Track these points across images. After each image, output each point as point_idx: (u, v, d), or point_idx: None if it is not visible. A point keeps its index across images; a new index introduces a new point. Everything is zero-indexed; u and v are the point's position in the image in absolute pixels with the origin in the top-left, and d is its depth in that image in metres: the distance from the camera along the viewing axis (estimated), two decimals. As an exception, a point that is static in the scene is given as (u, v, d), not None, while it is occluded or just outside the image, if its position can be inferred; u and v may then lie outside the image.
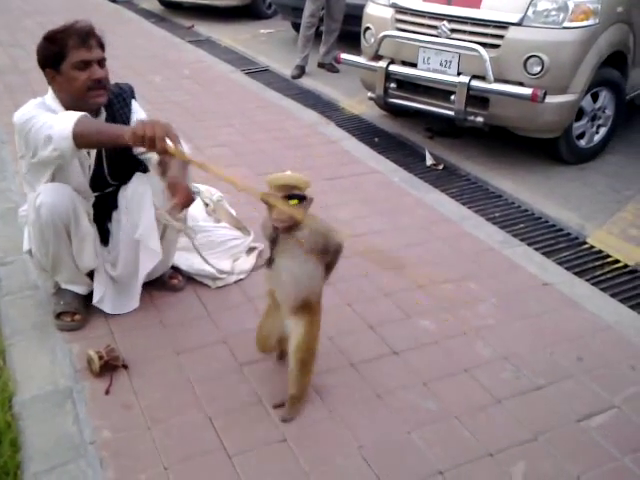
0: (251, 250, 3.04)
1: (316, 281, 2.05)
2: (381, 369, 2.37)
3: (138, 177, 2.54)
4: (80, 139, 2.18)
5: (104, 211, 2.58)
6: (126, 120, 2.54)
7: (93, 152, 2.47)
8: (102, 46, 2.41)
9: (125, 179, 2.55)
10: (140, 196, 2.49)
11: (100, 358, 2.25)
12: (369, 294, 2.81)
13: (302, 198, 1.89)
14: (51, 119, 2.24)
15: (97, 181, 2.52)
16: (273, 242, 2.00)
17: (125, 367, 2.31)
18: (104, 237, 2.62)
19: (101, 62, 2.38)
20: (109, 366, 2.26)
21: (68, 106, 2.36)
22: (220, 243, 2.95)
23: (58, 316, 2.51)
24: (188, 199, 2.33)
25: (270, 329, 2.19)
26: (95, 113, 2.43)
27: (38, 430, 2.04)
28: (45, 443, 1.99)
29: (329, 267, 2.10)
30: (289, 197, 1.87)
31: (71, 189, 2.39)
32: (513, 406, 2.22)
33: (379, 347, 2.48)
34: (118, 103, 2.55)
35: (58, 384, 2.23)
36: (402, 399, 2.23)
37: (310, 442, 2.04)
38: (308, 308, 2.05)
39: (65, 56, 2.32)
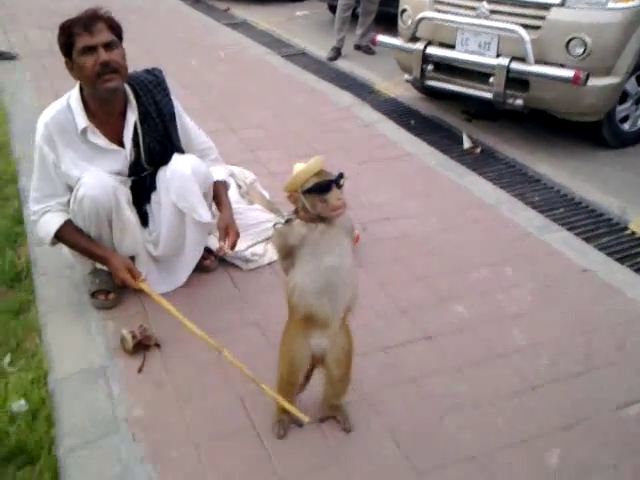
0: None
1: (357, 286, 1.85)
2: (413, 354, 2.34)
3: (176, 158, 2.52)
4: (63, 242, 2.47)
5: (142, 194, 2.59)
6: (169, 112, 2.52)
7: (129, 144, 2.46)
8: (113, 28, 2.34)
9: (161, 164, 2.54)
10: (181, 176, 2.46)
11: (133, 337, 2.27)
12: (402, 278, 2.78)
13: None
14: (39, 207, 2.42)
15: (134, 167, 2.52)
16: (294, 248, 1.74)
17: (158, 346, 2.32)
18: (144, 219, 2.62)
19: (109, 45, 2.30)
20: (142, 345, 2.28)
21: (93, 100, 2.36)
22: (252, 225, 2.94)
23: (93, 295, 2.54)
24: (236, 240, 2.54)
25: (303, 356, 1.88)
26: (123, 105, 2.43)
27: (72, 406, 2.07)
28: (79, 419, 2.02)
29: None
30: (339, 178, 1.72)
31: (113, 179, 2.41)
32: (548, 393, 2.17)
33: (411, 332, 2.45)
34: (160, 91, 2.51)
35: (92, 362, 2.25)
36: (434, 384, 2.20)
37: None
38: (348, 312, 1.87)
39: (73, 44, 2.28)
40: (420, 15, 4.44)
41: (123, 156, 2.47)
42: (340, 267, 1.74)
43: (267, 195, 3.25)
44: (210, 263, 2.78)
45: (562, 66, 3.92)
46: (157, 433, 1.97)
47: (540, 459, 1.92)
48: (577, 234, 3.25)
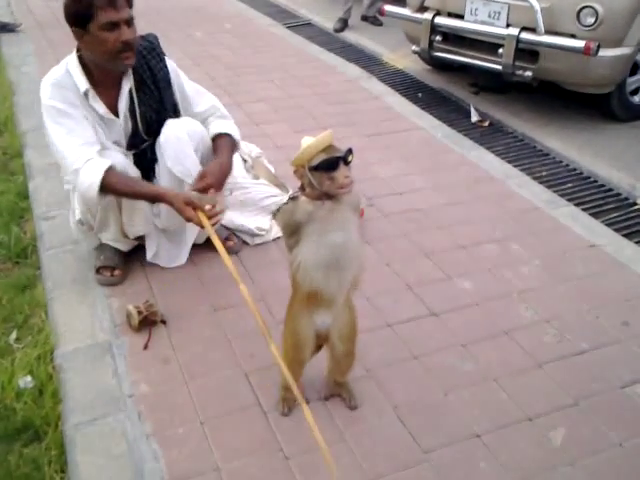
0: (290, 207, 3.00)
1: (363, 259, 1.83)
2: (419, 330, 2.34)
3: (169, 122, 2.46)
4: (109, 192, 2.28)
5: (145, 167, 2.55)
6: (164, 78, 2.46)
7: (122, 113, 2.41)
8: (130, 4, 2.30)
9: (159, 133, 2.48)
10: (175, 139, 2.41)
11: (139, 313, 2.27)
12: (408, 254, 2.77)
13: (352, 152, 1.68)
14: (77, 156, 2.25)
15: (132, 139, 2.49)
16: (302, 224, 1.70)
17: (163, 322, 2.33)
18: None
19: (129, 21, 2.26)
20: (148, 321, 2.28)
21: (94, 69, 2.32)
22: (259, 200, 2.93)
23: (98, 270, 2.53)
24: (210, 186, 2.30)
25: (308, 333, 1.87)
26: (120, 73, 2.38)
27: (78, 383, 2.08)
28: (85, 395, 2.03)
29: None
30: (347, 154, 1.67)
31: (124, 158, 2.40)
32: (554, 370, 2.17)
33: (417, 308, 2.45)
34: (153, 57, 2.45)
35: (98, 338, 2.26)
36: (439, 360, 2.20)
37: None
38: (352, 288, 1.85)
39: (92, 16, 2.19)
40: (428, -16, 4.36)
41: (118, 126, 2.43)
42: (346, 244, 1.71)
43: (272, 169, 3.23)
44: (233, 245, 2.73)
45: (573, 36, 3.85)
46: (163, 410, 1.98)
47: (545, 437, 1.92)
48: (585, 209, 3.22)
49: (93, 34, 2.22)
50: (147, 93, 2.44)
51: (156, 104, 2.46)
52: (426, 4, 4.47)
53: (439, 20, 4.41)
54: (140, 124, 2.45)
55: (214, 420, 1.96)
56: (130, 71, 2.39)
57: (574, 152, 3.92)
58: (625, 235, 3.01)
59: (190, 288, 2.53)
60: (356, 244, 1.75)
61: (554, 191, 3.36)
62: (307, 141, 1.68)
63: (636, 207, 3.34)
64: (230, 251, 2.70)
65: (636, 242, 2.95)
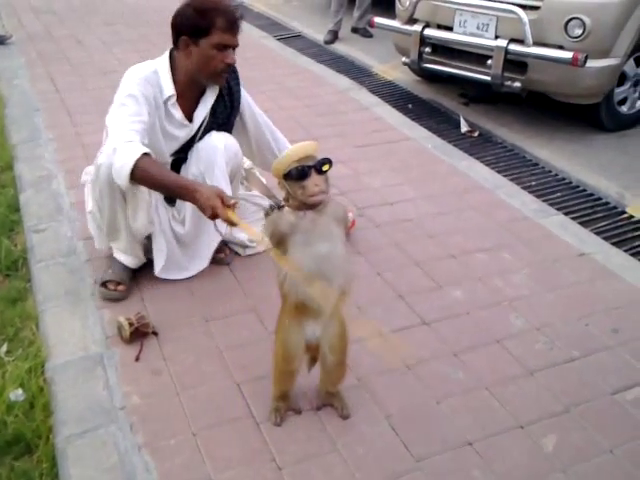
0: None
1: (351, 270, 1.82)
2: (410, 339, 2.34)
3: (212, 133, 2.56)
4: (138, 181, 2.22)
5: (178, 168, 2.58)
6: (237, 99, 2.61)
7: (198, 122, 2.51)
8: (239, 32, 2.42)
9: None
10: (212, 148, 2.50)
11: (130, 325, 2.26)
12: (399, 263, 2.78)
13: (330, 162, 1.70)
14: (124, 135, 2.23)
15: (184, 145, 2.56)
16: (287, 236, 1.70)
17: (155, 334, 2.32)
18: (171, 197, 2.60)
19: (235, 48, 2.41)
20: (139, 333, 2.28)
21: (183, 77, 2.41)
22: (253, 212, 2.93)
23: (103, 283, 2.51)
24: None
25: (296, 345, 1.86)
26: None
27: (70, 395, 2.07)
28: (76, 408, 2.02)
29: None
30: (321, 164, 1.68)
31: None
32: (545, 378, 2.18)
33: (409, 317, 2.45)
34: (234, 79, 2.60)
35: (89, 350, 2.25)
36: (431, 369, 2.20)
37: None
38: (340, 301, 1.83)
39: (209, 33, 2.31)
40: (417, -3, 4.40)
41: (186, 132, 2.51)
42: (331, 255, 1.71)
43: (264, 181, 3.23)
44: (225, 256, 2.74)
45: (561, 48, 3.90)
46: (154, 421, 1.97)
47: (537, 444, 1.93)
48: (574, 218, 3.25)
49: (202, 48, 2.34)
50: (220, 110, 2.56)
51: (222, 121, 2.59)
52: (415, 16, 4.51)
53: (428, 32, 4.45)
54: (200, 134, 2.54)
55: (206, 431, 1.95)
56: (216, 86, 2.51)
57: (563, 162, 3.95)
58: (614, 243, 3.03)
59: (181, 299, 2.53)
60: (341, 255, 1.75)
61: (543, 200, 3.39)
62: (301, 145, 1.71)
63: (625, 216, 3.37)
64: (221, 262, 2.72)
65: (625, 250, 2.97)
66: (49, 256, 2.74)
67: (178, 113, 2.47)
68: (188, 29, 2.34)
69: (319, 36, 6.40)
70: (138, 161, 2.17)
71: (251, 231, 2.05)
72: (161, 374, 2.16)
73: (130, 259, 2.56)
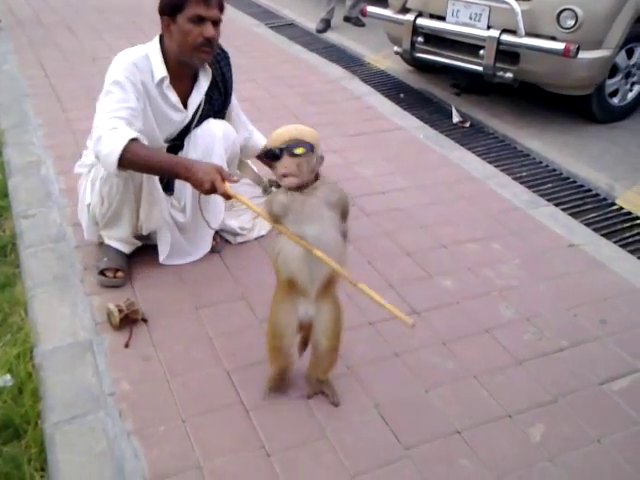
0: (272, 207, 3.00)
1: (344, 253, 1.81)
2: (400, 328, 2.31)
3: (210, 120, 2.56)
4: (127, 166, 2.20)
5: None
6: (231, 86, 2.62)
7: (193, 108, 2.50)
8: (222, 8, 2.38)
9: None
10: (210, 135, 2.50)
11: (120, 312, 2.25)
12: (390, 252, 2.78)
13: (310, 147, 1.71)
14: (107, 123, 2.20)
15: (180, 132, 2.54)
16: (286, 213, 1.73)
17: (145, 321, 2.31)
18: (168, 185, 2.60)
19: (216, 22, 2.36)
20: (129, 320, 2.27)
21: (173, 59, 2.38)
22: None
23: (101, 272, 2.50)
24: None
25: (288, 321, 1.89)
26: (198, 69, 2.47)
27: (58, 381, 2.06)
28: (65, 394, 2.01)
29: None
30: (293, 147, 1.69)
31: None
32: (534, 368, 2.19)
33: (399, 306, 2.43)
34: (226, 66, 2.60)
35: (78, 336, 2.24)
36: (421, 358, 2.21)
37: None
38: (332, 283, 1.86)
39: (183, 7, 2.29)
40: (411, -14, 4.39)
41: (181, 118, 2.49)
42: (320, 237, 1.72)
43: (255, 169, 3.22)
44: (216, 244, 2.74)
45: (553, 38, 3.90)
46: (144, 408, 1.97)
47: (525, 433, 1.94)
48: (564, 209, 3.26)
49: (179, 24, 2.32)
50: (214, 96, 2.55)
51: (218, 107, 2.59)
52: (408, 5, 4.50)
53: (421, 21, 4.44)
54: (197, 120, 2.53)
55: (195, 418, 1.95)
56: (210, 70, 2.49)
57: (554, 153, 3.97)
58: (604, 235, 3.04)
59: (172, 286, 2.52)
60: (331, 239, 1.75)
61: (534, 191, 3.40)
62: (295, 127, 1.74)
63: (615, 207, 3.39)
64: (213, 250, 2.71)
65: (615, 242, 2.99)
66: (38, 242, 2.72)
67: (173, 96, 2.44)
68: (166, 8, 2.34)
69: (311, 25, 6.38)
70: (127, 146, 2.15)
71: (250, 205, 2.00)
72: (151, 361, 2.15)
73: (123, 245, 2.55)
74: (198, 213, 2.54)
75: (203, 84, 2.51)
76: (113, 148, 2.15)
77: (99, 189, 2.40)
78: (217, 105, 2.59)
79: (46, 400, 1.99)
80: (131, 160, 2.17)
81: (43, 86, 4.36)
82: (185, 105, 2.50)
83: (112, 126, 2.20)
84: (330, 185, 1.78)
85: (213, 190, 2.08)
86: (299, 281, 1.79)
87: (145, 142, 2.26)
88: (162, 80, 2.39)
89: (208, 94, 2.53)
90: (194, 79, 2.50)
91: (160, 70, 2.38)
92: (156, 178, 2.44)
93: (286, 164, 1.70)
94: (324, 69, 5.02)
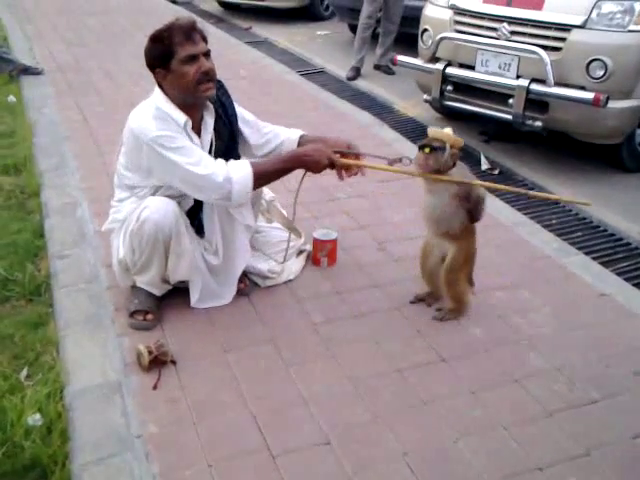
0: (300, 252, 3.03)
1: (455, 222, 2.47)
2: (428, 376, 2.33)
3: (231, 162, 2.55)
4: (257, 186, 2.43)
5: (197, 201, 2.59)
6: (233, 113, 2.62)
7: (206, 148, 2.51)
8: (205, 39, 2.43)
9: None
10: None
11: (150, 353, 2.28)
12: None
13: (436, 148, 2.34)
14: (215, 167, 2.33)
15: None
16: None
17: (173, 363, 2.33)
18: (199, 228, 2.64)
19: (207, 54, 2.40)
20: (158, 361, 2.29)
21: (179, 103, 2.41)
22: (272, 244, 2.96)
23: (132, 314, 2.53)
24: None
25: (426, 249, 2.66)
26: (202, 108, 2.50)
27: (87, 421, 2.08)
28: (93, 435, 2.02)
29: (471, 213, 2.49)
30: (422, 146, 2.37)
31: (176, 205, 2.45)
32: (565, 419, 2.15)
33: (427, 353, 2.44)
34: (223, 95, 2.61)
35: (108, 377, 2.27)
36: (449, 407, 2.19)
37: (354, 446, 2.02)
38: (454, 237, 2.51)
39: (173, 53, 2.33)
40: (441, 35, 4.48)
41: None
42: (435, 206, 2.48)
43: (285, 213, 3.26)
44: (244, 287, 2.76)
45: (582, 88, 3.92)
46: (170, 451, 1.98)
47: (555, 487, 1.90)
48: (595, 258, 3.23)
49: (175, 70, 2.35)
50: (221, 128, 2.57)
51: (227, 138, 2.60)
52: (438, 55, 4.58)
53: (450, 70, 4.50)
54: (213, 157, 2.53)
55: (222, 463, 1.95)
56: (212, 107, 2.52)
57: (584, 201, 3.94)
58: (635, 285, 3.01)
59: (201, 329, 2.54)
60: (443, 209, 2.45)
61: (564, 239, 3.38)
62: (442, 131, 2.43)
63: (646, 257, 3.35)
64: (241, 293, 2.73)
65: (646, 292, 2.95)
66: (72, 282, 2.77)
67: (196, 139, 2.47)
68: (156, 60, 2.37)
69: (342, 72, 6.50)
70: (252, 171, 2.37)
71: (372, 166, 2.58)
72: (178, 403, 2.16)
73: (154, 289, 2.59)
74: (230, 255, 2.58)
75: (209, 122, 2.52)
76: (243, 178, 2.36)
77: (130, 241, 2.44)
78: (226, 136, 2.59)
79: (74, 440, 2.01)
80: (259, 179, 2.40)
81: (81, 130, 4.50)
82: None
83: (223, 164, 2.37)
84: (461, 171, 2.44)
85: (332, 164, 2.44)
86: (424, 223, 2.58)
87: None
88: (186, 123, 2.41)
89: (215, 129, 2.55)
90: (200, 119, 2.52)
91: (180, 115, 2.40)
92: (184, 234, 2.47)
93: (419, 156, 2.40)
94: (354, 116, 5.10)
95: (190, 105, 2.44)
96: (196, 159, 2.33)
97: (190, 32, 2.36)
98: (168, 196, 2.45)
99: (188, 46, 2.34)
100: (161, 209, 2.38)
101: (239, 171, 2.36)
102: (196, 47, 2.35)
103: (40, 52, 6.53)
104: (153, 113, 2.38)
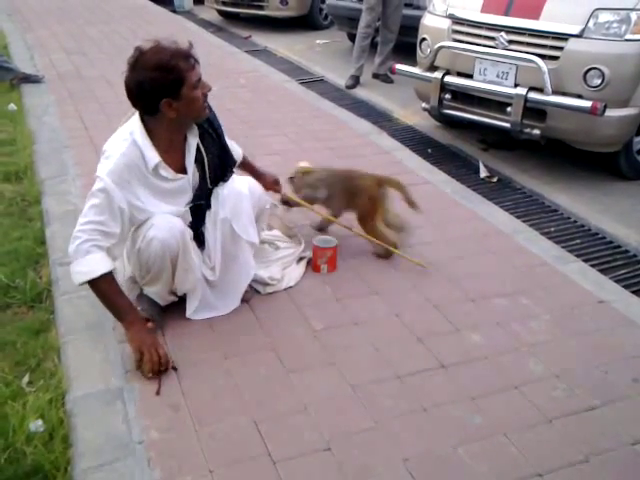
0: (301, 259, 3.04)
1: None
2: (428, 382, 2.34)
3: (235, 178, 2.65)
4: (92, 289, 2.37)
5: (200, 215, 2.62)
6: (218, 125, 2.61)
7: (191, 168, 2.50)
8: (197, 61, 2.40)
9: (220, 179, 2.61)
10: (237, 194, 2.58)
11: (151, 360, 2.28)
12: (418, 305, 2.79)
13: (292, 178, 3.12)
14: (87, 237, 2.29)
15: (198, 190, 2.56)
16: None
17: (174, 369, 2.34)
18: (199, 241, 2.65)
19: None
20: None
21: (164, 137, 2.37)
22: (272, 252, 2.97)
23: None
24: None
25: None
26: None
27: (89, 427, 2.08)
28: (95, 441, 2.03)
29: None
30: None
31: (182, 222, 2.46)
32: (564, 426, 2.16)
33: (427, 360, 2.45)
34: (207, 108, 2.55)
35: (109, 383, 2.27)
36: (449, 413, 2.20)
37: (354, 452, 2.03)
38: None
39: (184, 80, 2.27)
40: (439, 44, 4.51)
41: (186, 182, 2.50)
42: None
43: (284, 220, 3.28)
44: (245, 293, 2.76)
45: (580, 97, 3.95)
46: (172, 457, 1.98)
47: (555, 492, 1.91)
48: (593, 265, 3.25)
49: (185, 97, 2.30)
50: (209, 142, 2.56)
51: (218, 150, 2.59)
52: (436, 63, 4.61)
53: (449, 79, 4.53)
54: (208, 173, 2.55)
55: (222, 469, 1.95)
56: (194, 126, 2.48)
57: (582, 209, 3.97)
58: (634, 292, 3.02)
59: (201, 336, 2.55)
60: None
61: (562, 247, 3.40)
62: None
63: (644, 264, 3.37)
64: (242, 300, 2.74)
65: (645, 299, 2.96)
66: (73, 289, 2.77)
67: (169, 173, 2.42)
68: (165, 90, 2.27)
69: (341, 81, 6.54)
70: (99, 278, 2.29)
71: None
72: (179, 409, 2.17)
73: (159, 299, 2.60)
74: (227, 272, 2.61)
75: (192, 142, 2.48)
76: (89, 270, 2.29)
77: (137, 258, 2.45)
78: (216, 149, 2.58)
79: (76, 446, 2.02)
80: (94, 288, 2.35)
81: (82, 137, 4.52)
82: (184, 170, 2.49)
83: (93, 244, 2.29)
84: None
85: (141, 356, 2.30)
86: None
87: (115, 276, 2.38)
88: (157, 166, 2.37)
89: (204, 145, 2.53)
90: (185, 140, 2.49)
91: (152, 156, 2.35)
92: (191, 249, 2.49)
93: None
94: (353, 124, 5.13)
95: (179, 132, 2.42)
96: (91, 218, 2.30)
97: (190, 56, 2.33)
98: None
99: (194, 71, 2.31)
100: (167, 227, 2.38)
101: (91, 263, 2.29)
102: (198, 70, 2.34)
103: (41, 61, 6.56)
104: (127, 156, 2.31)
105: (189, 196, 2.55)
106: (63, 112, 5.05)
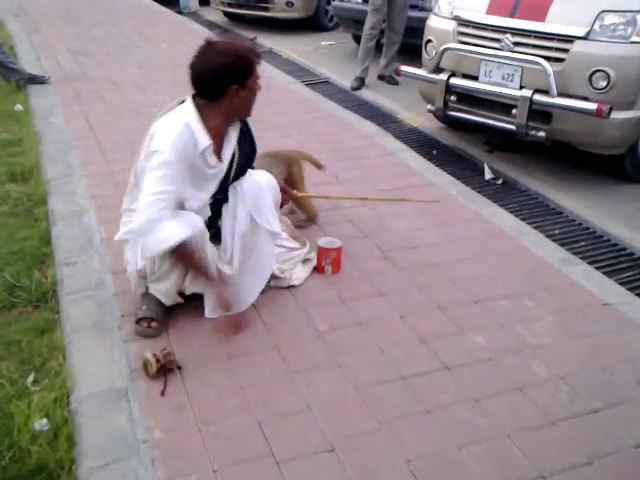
0: (306, 260, 3.04)
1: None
2: (432, 384, 2.34)
3: (252, 172, 2.70)
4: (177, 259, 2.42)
5: (218, 209, 2.65)
6: (250, 126, 2.69)
7: (227, 159, 2.56)
8: None
9: (241, 176, 2.67)
10: (257, 186, 2.64)
11: (157, 361, 2.28)
12: (422, 307, 2.79)
13: None
14: (156, 208, 2.30)
15: (222, 184, 2.61)
16: None
17: (179, 369, 2.35)
18: (216, 235, 2.67)
19: None
20: (164, 368, 2.30)
21: (217, 123, 2.47)
22: (278, 254, 2.97)
23: (137, 321, 2.55)
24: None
25: None
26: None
27: (93, 427, 2.09)
28: (100, 440, 2.04)
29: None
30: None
31: (202, 221, 2.48)
32: (568, 428, 2.16)
33: (431, 361, 2.46)
34: None
35: (114, 383, 2.28)
36: (453, 415, 2.20)
37: (358, 453, 2.03)
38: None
39: (252, 71, 2.42)
40: (444, 46, 4.50)
41: (217, 173, 2.55)
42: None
43: (289, 221, 3.29)
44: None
45: (585, 99, 3.94)
46: (176, 456, 1.99)
47: (558, 494, 1.91)
48: (598, 268, 3.24)
49: (249, 86, 2.44)
50: (243, 139, 2.63)
51: (248, 149, 2.67)
52: (442, 65, 4.61)
53: (454, 81, 4.53)
54: (235, 168, 2.61)
55: (227, 469, 1.96)
56: (237, 121, 2.59)
57: (587, 211, 3.97)
58: (638, 294, 3.01)
59: (205, 335, 2.55)
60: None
61: (567, 249, 3.39)
62: None
63: (649, 267, 3.36)
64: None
65: (650, 301, 2.96)
66: (78, 289, 2.79)
67: (213, 159, 2.49)
68: (236, 77, 2.39)
69: (346, 82, 6.54)
70: (179, 244, 2.32)
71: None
72: (184, 409, 2.18)
73: (165, 298, 2.60)
74: (245, 265, 2.62)
75: (232, 134, 2.56)
76: (166, 238, 2.31)
77: (149, 256, 2.45)
78: (247, 147, 2.67)
79: (80, 445, 2.03)
80: (178, 256, 2.39)
81: (88, 138, 4.54)
82: (220, 159, 2.55)
83: (161, 214, 2.31)
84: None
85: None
86: None
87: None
88: (206, 149, 2.43)
89: (239, 142, 2.60)
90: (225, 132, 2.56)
91: (204, 140, 2.41)
92: (207, 246, 2.51)
93: None
94: (358, 125, 5.13)
95: (226, 120, 2.51)
96: (157, 189, 2.32)
97: (257, 51, 2.47)
98: (186, 208, 2.47)
99: (259, 65, 2.45)
100: (187, 227, 2.38)
101: (167, 231, 2.31)
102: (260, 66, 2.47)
103: (47, 61, 6.59)
104: (180, 130, 2.37)
105: (216, 186, 2.58)
106: (69, 113, 5.07)
